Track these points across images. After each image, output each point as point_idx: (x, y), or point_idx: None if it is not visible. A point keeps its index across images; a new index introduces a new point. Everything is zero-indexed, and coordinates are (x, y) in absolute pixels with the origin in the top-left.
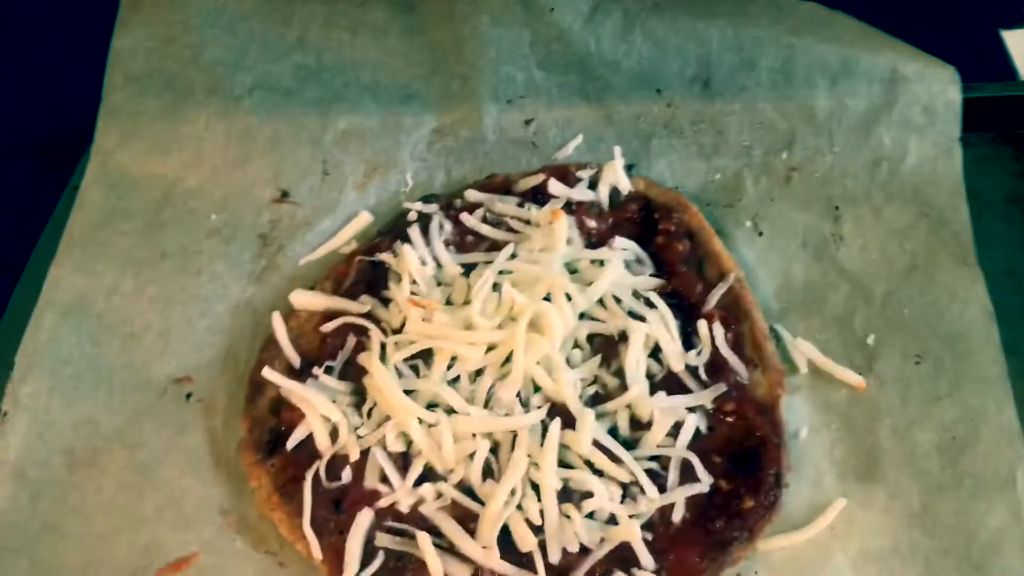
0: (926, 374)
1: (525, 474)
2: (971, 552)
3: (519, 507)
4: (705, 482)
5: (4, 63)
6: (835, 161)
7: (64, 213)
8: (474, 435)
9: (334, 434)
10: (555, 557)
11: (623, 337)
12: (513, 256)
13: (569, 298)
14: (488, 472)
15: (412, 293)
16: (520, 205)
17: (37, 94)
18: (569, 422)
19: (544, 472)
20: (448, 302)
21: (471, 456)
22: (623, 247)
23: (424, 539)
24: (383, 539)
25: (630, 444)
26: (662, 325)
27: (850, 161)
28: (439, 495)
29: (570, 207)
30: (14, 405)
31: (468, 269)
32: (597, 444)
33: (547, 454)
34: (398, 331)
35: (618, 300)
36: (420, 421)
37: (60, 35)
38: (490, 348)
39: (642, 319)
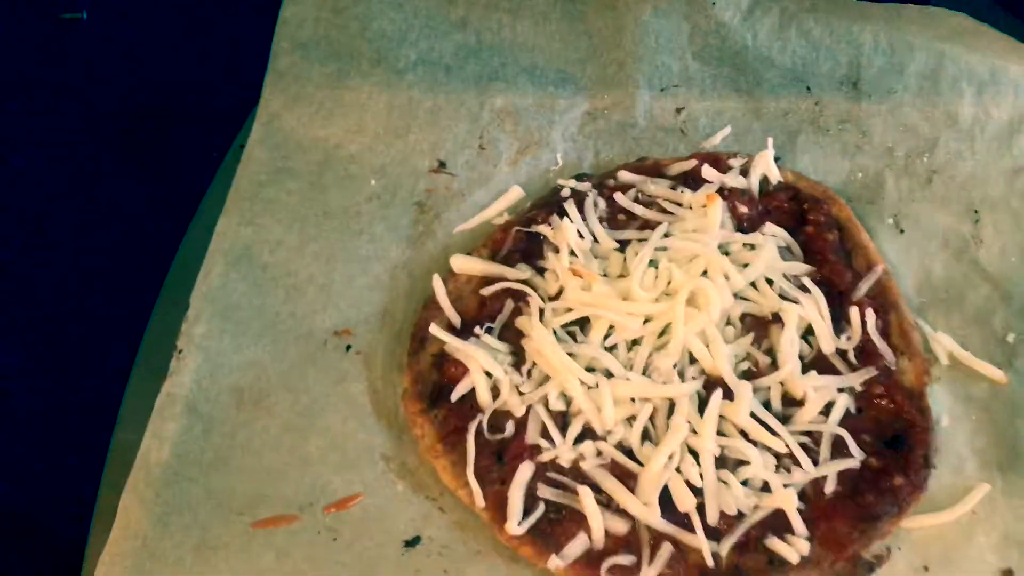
0: None
1: (683, 439)
2: None
3: (677, 470)
4: (857, 458)
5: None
6: (976, 167)
7: (231, 168)
8: (633, 400)
9: (495, 391)
10: (713, 518)
11: (775, 318)
12: (667, 235)
13: (726, 277)
14: (645, 436)
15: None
16: (672, 188)
17: (206, 55)
18: (725, 395)
19: (704, 437)
20: (603, 275)
21: (629, 420)
22: (774, 233)
23: (586, 493)
24: (544, 491)
25: (782, 420)
26: (815, 308)
27: (991, 167)
28: (599, 453)
29: (722, 193)
30: (188, 344)
31: (622, 246)
32: (753, 416)
33: (708, 421)
34: (554, 299)
35: (770, 283)
36: (580, 383)
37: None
38: (647, 320)
39: (795, 302)
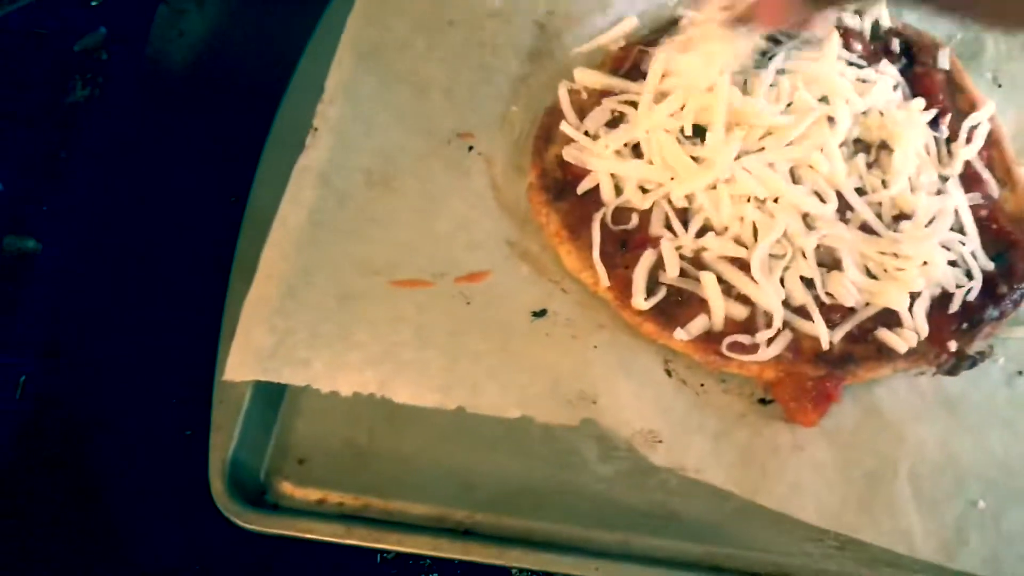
0: None
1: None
2: None
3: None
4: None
5: None
6: None
7: None
8: (749, 200)
9: (618, 190)
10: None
11: (884, 146)
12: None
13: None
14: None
15: None
16: None
17: None
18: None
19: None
20: None
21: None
22: (886, 71)
23: (708, 277)
24: (667, 276)
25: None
26: (924, 136)
27: None
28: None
29: (839, 31)
30: (323, 123)
31: None
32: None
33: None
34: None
35: (881, 115)
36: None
37: None
38: (767, 134)
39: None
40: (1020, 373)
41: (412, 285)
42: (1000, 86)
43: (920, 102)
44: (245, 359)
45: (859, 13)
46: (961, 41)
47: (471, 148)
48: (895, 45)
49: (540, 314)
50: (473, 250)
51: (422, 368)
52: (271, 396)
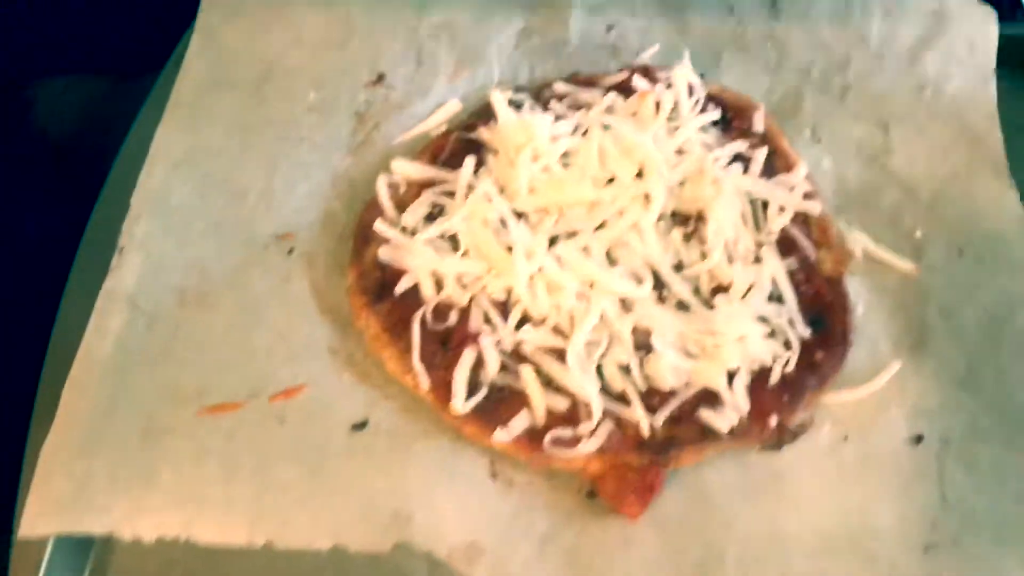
0: (968, 264)
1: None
2: (1009, 408)
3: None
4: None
5: None
6: (885, 83)
7: (169, 81)
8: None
9: (438, 284)
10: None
11: (701, 217)
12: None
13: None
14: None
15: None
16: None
17: None
18: (655, 286)
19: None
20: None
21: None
22: (702, 137)
23: (527, 371)
24: (487, 373)
25: (708, 307)
26: (738, 205)
27: (899, 84)
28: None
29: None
30: (130, 241)
31: None
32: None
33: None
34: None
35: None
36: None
37: None
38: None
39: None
40: (845, 439)
41: (222, 410)
42: (819, 141)
43: (736, 169)
44: (43, 510)
45: (671, 85)
46: (780, 97)
47: (291, 251)
48: (710, 108)
49: (360, 426)
50: (291, 363)
51: (228, 505)
52: (79, 544)
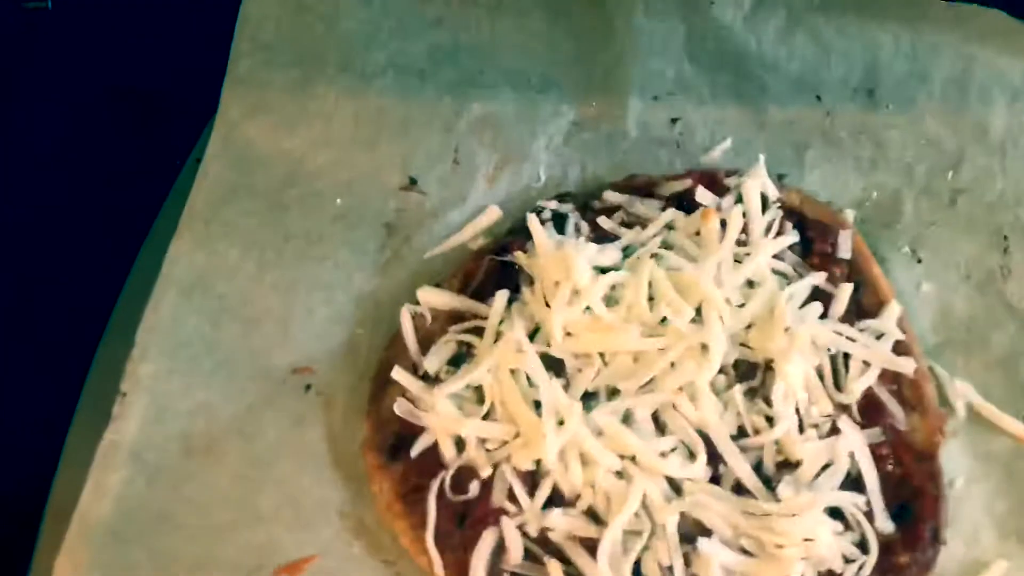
0: None
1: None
2: None
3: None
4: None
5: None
6: (1007, 186)
7: (186, 184)
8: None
9: (460, 443)
10: None
11: (767, 366)
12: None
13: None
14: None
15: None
16: (662, 210)
17: (160, 65)
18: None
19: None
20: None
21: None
22: (776, 268)
23: (555, 567)
24: (509, 562)
25: (774, 483)
26: (816, 354)
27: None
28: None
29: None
30: (133, 386)
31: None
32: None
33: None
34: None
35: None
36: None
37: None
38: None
39: None
40: None
41: None
42: (920, 261)
43: (814, 310)
44: None
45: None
46: (875, 203)
47: (308, 387)
48: (787, 228)
49: None
50: (299, 530)
51: None
52: None
